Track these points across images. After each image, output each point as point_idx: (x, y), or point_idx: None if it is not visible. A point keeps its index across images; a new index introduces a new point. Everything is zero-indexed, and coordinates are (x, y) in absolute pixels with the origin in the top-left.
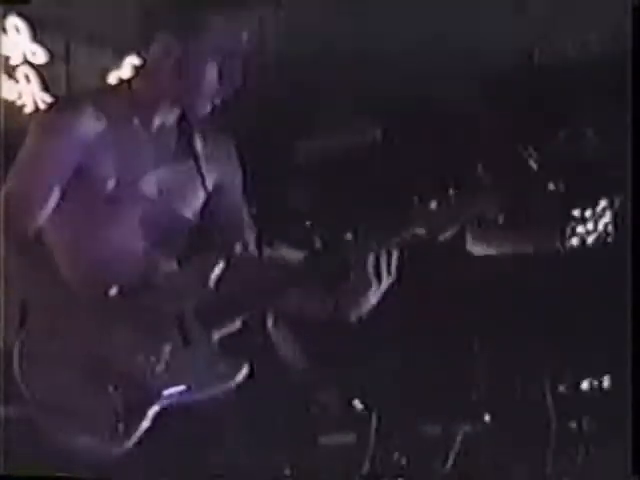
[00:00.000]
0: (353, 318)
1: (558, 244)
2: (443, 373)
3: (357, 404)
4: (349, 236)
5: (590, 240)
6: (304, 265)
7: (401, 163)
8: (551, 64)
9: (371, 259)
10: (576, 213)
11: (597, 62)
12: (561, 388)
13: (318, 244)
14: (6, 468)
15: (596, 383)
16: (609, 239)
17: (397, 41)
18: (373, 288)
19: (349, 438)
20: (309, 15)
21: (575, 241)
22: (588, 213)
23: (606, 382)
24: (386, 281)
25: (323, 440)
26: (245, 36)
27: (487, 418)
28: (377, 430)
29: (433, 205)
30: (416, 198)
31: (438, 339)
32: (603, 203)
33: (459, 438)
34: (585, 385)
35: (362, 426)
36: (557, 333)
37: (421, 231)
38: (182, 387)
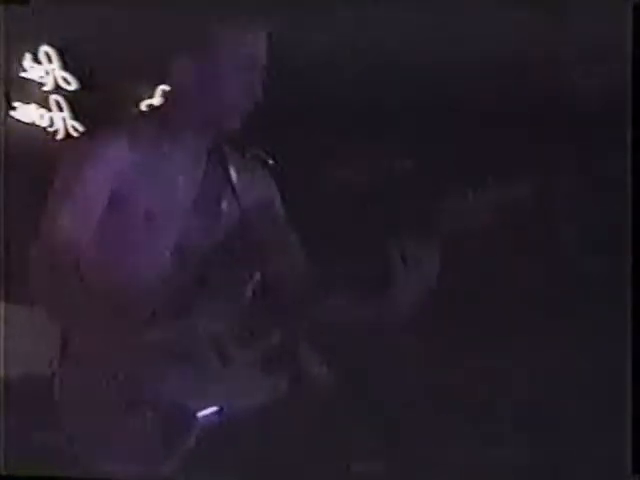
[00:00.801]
0: (393, 320)
1: None
2: (483, 393)
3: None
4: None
5: None
6: (342, 275)
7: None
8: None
9: (408, 263)
10: None
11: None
12: None
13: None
14: (6, 468)
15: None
16: None
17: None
18: (412, 291)
19: (380, 466)
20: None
21: None
22: None
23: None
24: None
25: (355, 467)
26: (262, 47)
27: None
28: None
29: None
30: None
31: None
32: None
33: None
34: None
35: (394, 453)
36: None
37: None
38: (215, 408)
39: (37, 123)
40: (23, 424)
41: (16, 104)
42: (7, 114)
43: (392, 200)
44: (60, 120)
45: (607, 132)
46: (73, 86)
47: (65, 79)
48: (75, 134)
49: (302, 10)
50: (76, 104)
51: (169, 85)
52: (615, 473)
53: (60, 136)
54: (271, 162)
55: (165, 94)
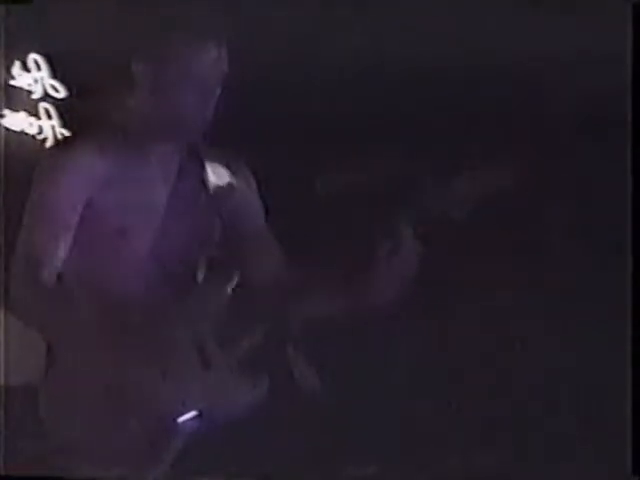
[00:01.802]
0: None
1: None
2: (473, 394)
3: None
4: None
5: None
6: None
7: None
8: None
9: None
10: None
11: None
12: None
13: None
14: (6, 468)
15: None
16: None
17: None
18: (393, 280)
19: (371, 469)
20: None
21: None
22: None
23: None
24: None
25: (347, 470)
26: (220, 59)
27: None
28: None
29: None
30: (428, 179)
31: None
32: None
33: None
34: None
35: (386, 456)
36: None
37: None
38: (194, 412)
39: (26, 131)
40: (13, 430)
41: (5, 112)
42: None
43: (371, 198)
44: (49, 128)
45: (607, 132)
46: (62, 94)
47: (54, 87)
48: None
49: (263, 15)
50: (65, 112)
51: (134, 94)
52: (615, 473)
53: (49, 144)
54: (246, 165)
55: (131, 103)
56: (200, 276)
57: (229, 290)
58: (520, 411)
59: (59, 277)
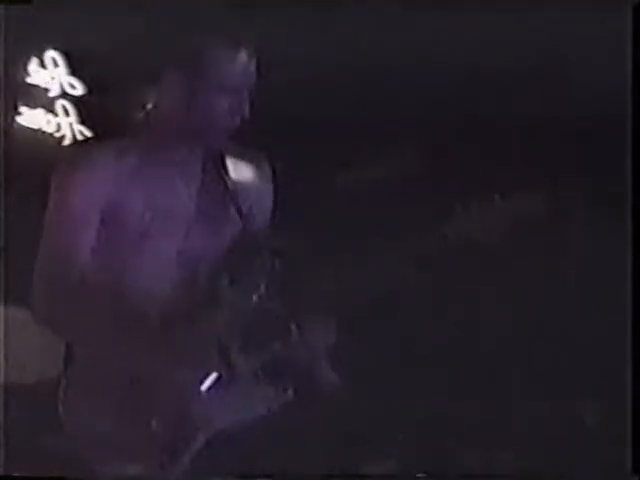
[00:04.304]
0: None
1: None
2: (487, 394)
3: (398, 435)
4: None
5: None
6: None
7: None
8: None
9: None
10: None
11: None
12: None
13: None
14: (6, 468)
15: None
16: None
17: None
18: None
19: (391, 467)
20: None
21: None
22: None
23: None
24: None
25: (366, 469)
26: (250, 67)
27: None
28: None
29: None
30: (458, 205)
31: (486, 349)
32: None
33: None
34: None
35: (405, 454)
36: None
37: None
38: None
39: (44, 129)
40: (28, 427)
41: (22, 109)
42: (13, 120)
43: (394, 203)
44: (67, 125)
45: (607, 132)
46: (79, 91)
47: (71, 84)
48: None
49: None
50: (83, 109)
51: (158, 99)
52: (615, 473)
53: (67, 142)
54: (268, 167)
55: (154, 107)
56: (225, 279)
57: (255, 298)
58: (519, 412)
59: (82, 277)
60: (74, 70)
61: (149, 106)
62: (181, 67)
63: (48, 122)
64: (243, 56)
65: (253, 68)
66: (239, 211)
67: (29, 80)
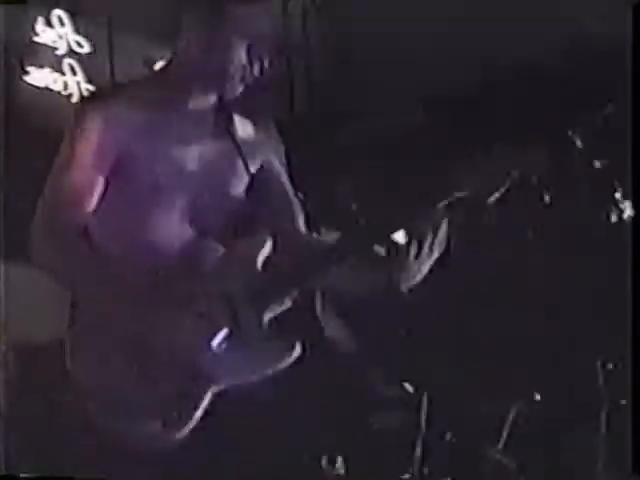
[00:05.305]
0: (404, 289)
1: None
2: (494, 350)
3: (408, 386)
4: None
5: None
6: (350, 241)
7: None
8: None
9: (419, 229)
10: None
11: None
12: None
13: (363, 220)
14: (6, 468)
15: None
16: None
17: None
18: (424, 258)
19: (400, 420)
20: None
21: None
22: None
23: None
24: (437, 250)
25: (374, 422)
26: (270, 19)
27: (538, 397)
28: (428, 411)
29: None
30: (461, 163)
31: (489, 312)
32: None
33: (511, 417)
34: None
35: (413, 407)
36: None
37: (467, 195)
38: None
39: (51, 87)
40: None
41: (29, 69)
42: (20, 79)
43: (403, 167)
44: (74, 84)
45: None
46: (86, 49)
47: (78, 42)
48: None
49: None
50: (90, 67)
51: (177, 49)
52: (615, 473)
53: (74, 100)
54: (276, 127)
55: (172, 58)
56: (232, 234)
57: (262, 252)
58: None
59: (86, 228)
60: (80, 29)
61: (161, 61)
62: (202, 18)
63: (55, 81)
64: (265, 7)
65: (277, 21)
66: (246, 167)
67: (36, 39)
